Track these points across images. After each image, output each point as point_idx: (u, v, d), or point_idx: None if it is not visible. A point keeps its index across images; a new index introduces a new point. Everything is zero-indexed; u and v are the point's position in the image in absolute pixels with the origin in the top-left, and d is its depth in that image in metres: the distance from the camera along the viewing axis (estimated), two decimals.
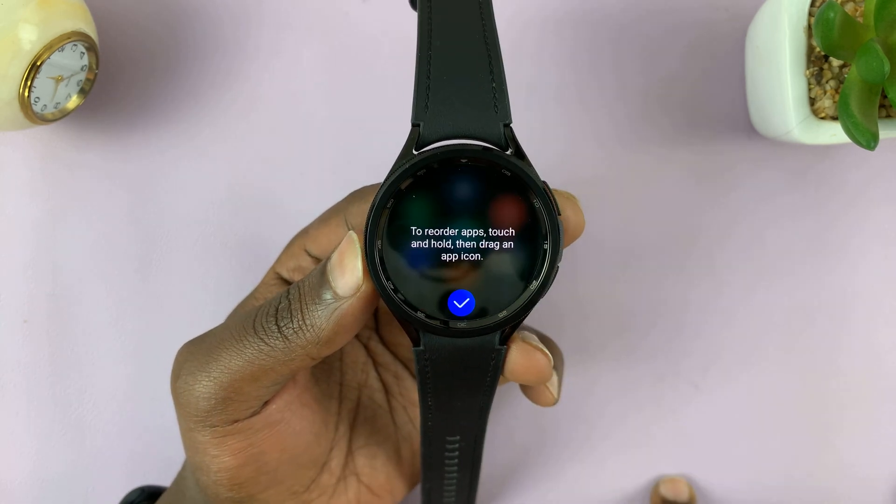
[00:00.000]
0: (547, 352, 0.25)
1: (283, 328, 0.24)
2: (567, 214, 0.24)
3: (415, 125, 0.22)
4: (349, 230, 0.27)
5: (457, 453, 0.28)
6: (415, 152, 0.22)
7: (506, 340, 0.24)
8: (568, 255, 0.37)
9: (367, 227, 0.22)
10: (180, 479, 0.30)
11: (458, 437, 0.28)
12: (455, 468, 0.29)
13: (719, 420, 0.38)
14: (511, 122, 0.22)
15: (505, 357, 0.24)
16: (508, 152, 0.22)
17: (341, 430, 0.30)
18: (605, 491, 0.37)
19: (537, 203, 0.22)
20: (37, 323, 0.37)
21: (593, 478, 0.38)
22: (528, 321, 0.35)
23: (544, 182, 0.22)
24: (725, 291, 0.37)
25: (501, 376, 0.25)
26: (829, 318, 0.37)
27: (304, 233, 0.29)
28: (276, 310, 0.24)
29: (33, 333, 0.37)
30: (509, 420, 0.37)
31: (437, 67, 0.22)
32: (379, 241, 0.22)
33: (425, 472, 0.29)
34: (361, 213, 0.27)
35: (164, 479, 0.36)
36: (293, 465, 0.27)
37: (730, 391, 0.37)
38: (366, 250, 0.22)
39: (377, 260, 0.22)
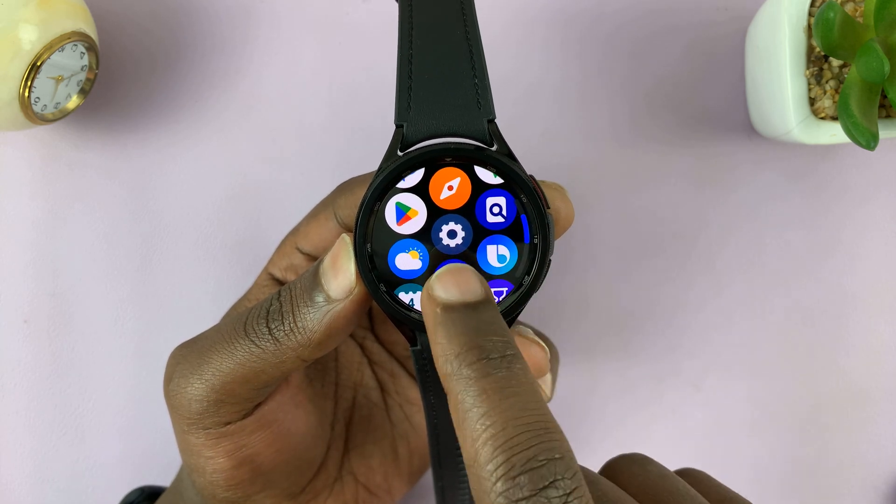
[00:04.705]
0: (543, 344, 0.25)
1: (274, 331, 0.24)
2: (556, 206, 0.24)
3: (398, 126, 0.22)
4: (342, 232, 0.27)
5: None
6: (399, 153, 0.22)
7: None
8: (567, 254, 0.37)
9: (356, 230, 0.22)
10: (178, 480, 0.30)
11: None
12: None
13: (719, 420, 0.37)
14: (495, 117, 0.22)
15: None
16: (494, 148, 0.22)
17: (337, 430, 0.30)
18: None
19: (525, 198, 0.22)
20: (37, 323, 0.37)
21: None
22: (528, 320, 0.35)
23: (531, 176, 0.22)
24: (725, 291, 0.37)
25: None
26: (829, 317, 0.37)
27: (295, 231, 0.29)
28: (268, 312, 0.24)
29: (34, 333, 0.37)
30: None
31: (419, 66, 0.22)
32: (368, 244, 0.22)
33: (436, 471, 0.29)
34: (349, 205, 0.27)
35: (163, 479, 0.36)
36: (289, 466, 0.27)
37: (729, 391, 0.37)
38: (356, 252, 0.22)
39: (367, 262, 0.22)
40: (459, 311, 0.19)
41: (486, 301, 0.20)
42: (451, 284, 0.20)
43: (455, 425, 0.18)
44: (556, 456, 0.17)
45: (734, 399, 0.37)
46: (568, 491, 0.17)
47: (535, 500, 0.16)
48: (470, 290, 0.20)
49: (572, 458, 0.17)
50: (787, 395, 0.37)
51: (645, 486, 0.22)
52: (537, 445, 0.17)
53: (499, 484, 0.17)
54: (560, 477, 0.17)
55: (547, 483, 0.16)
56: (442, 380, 0.19)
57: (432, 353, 0.19)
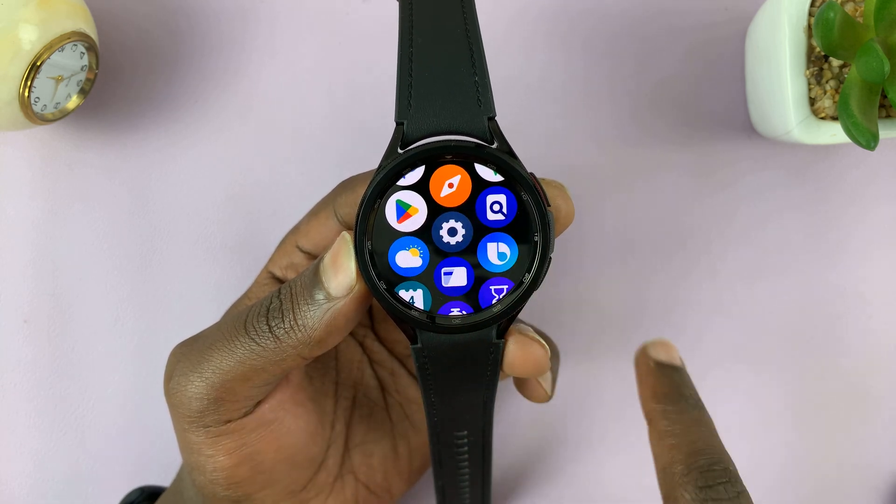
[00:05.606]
0: (543, 342, 0.25)
1: (275, 328, 0.24)
2: (557, 204, 0.24)
3: (399, 123, 0.22)
4: (342, 230, 0.27)
5: (466, 448, 0.28)
6: (400, 150, 0.22)
7: (503, 334, 0.24)
8: (568, 253, 0.37)
9: (356, 227, 0.22)
10: (178, 479, 0.30)
11: (465, 433, 0.28)
12: (465, 463, 0.29)
13: (719, 419, 0.37)
14: (495, 115, 0.22)
15: (503, 351, 0.24)
16: (494, 146, 0.22)
17: (337, 429, 0.30)
18: (605, 489, 0.37)
19: (525, 196, 0.22)
20: (37, 323, 0.37)
21: (593, 476, 0.37)
22: (528, 319, 0.35)
23: (531, 174, 0.22)
24: (725, 290, 0.37)
25: (500, 370, 0.25)
26: (829, 317, 0.37)
27: (295, 229, 0.29)
28: (268, 310, 0.24)
29: (34, 333, 0.37)
30: (510, 420, 0.37)
31: (419, 64, 0.22)
32: (369, 242, 0.22)
33: (436, 469, 0.29)
34: (349, 203, 0.27)
35: (163, 479, 0.36)
36: (289, 465, 0.27)
37: (729, 391, 0.37)
38: (356, 250, 0.22)
39: (368, 259, 0.22)
40: (667, 368, 0.29)
41: (683, 368, 0.29)
42: (663, 351, 0.30)
43: (654, 442, 0.27)
44: (730, 473, 0.25)
45: (733, 398, 0.37)
46: (734, 494, 0.24)
47: (713, 490, 0.24)
48: (674, 357, 0.30)
49: (738, 477, 0.25)
50: (787, 394, 0.37)
51: None
52: (716, 465, 0.25)
53: (690, 487, 0.24)
54: (732, 491, 0.24)
55: (721, 488, 0.24)
56: (645, 411, 0.28)
57: (639, 392, 0.29)
